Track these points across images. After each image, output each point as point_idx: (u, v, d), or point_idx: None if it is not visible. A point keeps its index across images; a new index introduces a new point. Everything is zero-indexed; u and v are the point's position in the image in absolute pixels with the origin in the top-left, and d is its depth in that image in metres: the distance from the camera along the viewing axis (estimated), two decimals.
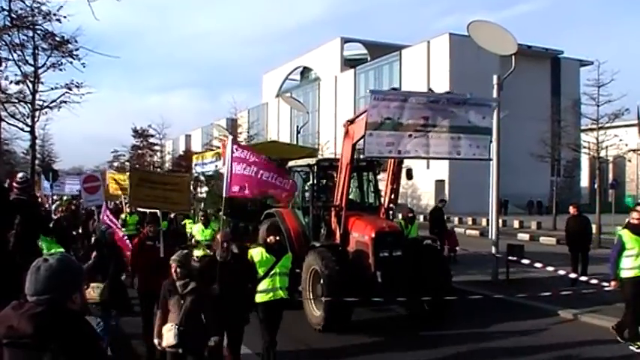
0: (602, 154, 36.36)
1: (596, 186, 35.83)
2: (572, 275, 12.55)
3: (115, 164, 62.81)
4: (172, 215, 18.14)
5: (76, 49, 20.05)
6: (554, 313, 11.28)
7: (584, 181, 57.40)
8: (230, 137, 7.96)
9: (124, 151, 63.88)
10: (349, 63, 67.28)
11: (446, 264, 11.28)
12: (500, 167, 14.52)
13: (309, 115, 38.96)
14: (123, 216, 16.90)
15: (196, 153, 55.75)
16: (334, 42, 68.41)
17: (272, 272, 7.60)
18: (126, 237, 11.56)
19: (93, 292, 8.17)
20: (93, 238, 16.76)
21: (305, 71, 77.24)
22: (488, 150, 10.20)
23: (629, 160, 49.82)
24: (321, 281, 9.91)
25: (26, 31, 19.27)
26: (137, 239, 9.09)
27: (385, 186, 11.76)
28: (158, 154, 61.36)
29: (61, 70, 20.82)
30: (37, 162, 30.75)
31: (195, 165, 20.55)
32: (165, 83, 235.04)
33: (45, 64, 20.71)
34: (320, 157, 18.15)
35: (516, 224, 36.46)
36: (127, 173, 14.12)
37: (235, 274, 6.95)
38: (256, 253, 7.73)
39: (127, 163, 58.10)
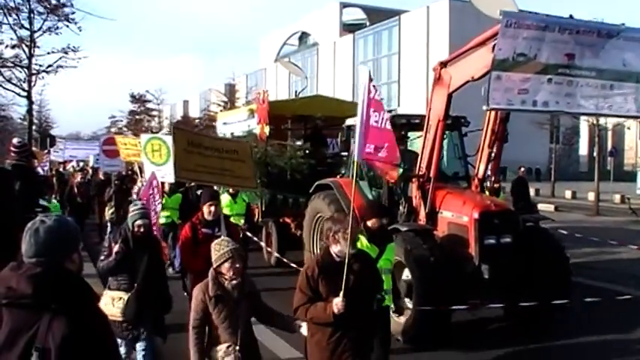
0: (602, 121, 36.04)
1: (595, 154, 35.56)
2: None
3: (113, 130, 62.02)
4: (188, 184, 16.16)
5: (72, 13, 19.44)
6: None
7: (583, 149, 56.54)
8: (366, 69, 5.40)
9: (122, 117, 63.14)
10: (348, 28, 65.44)
11: (564, 254, 8.38)
12: None
13: (307, 80, 38.30)
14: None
15: (191, 119, 55.34)
16: (333, 6, 65.71)
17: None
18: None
19: (113, 305, 5.52)
20: (108, 216, 14.44)
21: (303, 36, 75.48)
22: None
23: (629, 128, 49.38)
24: (405, 276, 7.58)
25: None
26: (188, 226, 6.33)
27: (479, 149, 9.04)
28: (156, 119, 60.68)
29: (57, 34, 20.24)
30: (34, 128, 30.24)
31: (224, 124, 17.01)
32: (162, 49, 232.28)
33: (41, 27, 20.08)
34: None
35: None
36: (142, 136, 12.02)
37: (361, 279, 4.43)
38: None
39: (125, 129, 57.40)
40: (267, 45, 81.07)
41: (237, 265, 4.26)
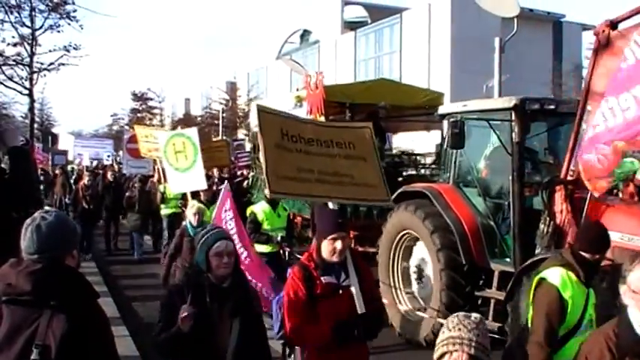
0: None
1: None
2: None
3: (115, 128, 62.16)
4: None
5: (74, 11, 19.52)
6: None
7: None
8: None
9: (124, 115, 63.22)
10: (349, 26, 65.58)
11: None
12: None
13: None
14: (161, 188, 11.56)
15: (193, 117, 55.05)
16: (334, 4, 64.94)
17: (583, 321, 3.59)
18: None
19: None
20: (131, 223, 12.71)
21: (305, 34, 75.74)
22: None
23: None
24: None
25: None
26: (297, 271, 3.75)
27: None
28: (157, 117, 60.79)
29: (59, 31, 20.33)
30: (35, 126, 30.34)
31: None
32: (164, 46, 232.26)
33: (42, 25, 20.08)
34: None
35: None
36: (160, 135, 9.86)
37: None
38: (558, 279, 3.57)
39: (127, 127, 57.55)
40: (268, 42, 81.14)
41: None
